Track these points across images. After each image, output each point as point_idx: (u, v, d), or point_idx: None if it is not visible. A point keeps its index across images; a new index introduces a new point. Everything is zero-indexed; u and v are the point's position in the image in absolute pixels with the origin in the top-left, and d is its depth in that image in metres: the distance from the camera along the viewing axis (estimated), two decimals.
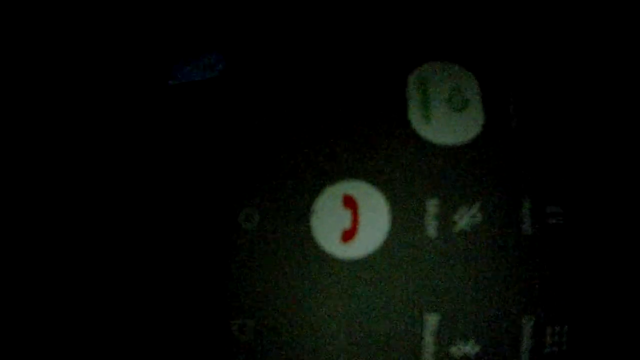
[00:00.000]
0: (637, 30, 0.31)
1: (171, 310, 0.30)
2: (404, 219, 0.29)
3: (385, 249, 0.29)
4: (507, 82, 0.30)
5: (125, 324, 0.30)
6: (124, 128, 0.33)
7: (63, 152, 0.33)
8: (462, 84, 0.30)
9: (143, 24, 0.35)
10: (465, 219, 0.29)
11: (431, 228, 0.29)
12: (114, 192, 0.32)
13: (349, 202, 0.29)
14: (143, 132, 0.32)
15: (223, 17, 0.34)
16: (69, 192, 0.32)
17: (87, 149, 0.33)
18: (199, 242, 0.30)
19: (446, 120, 0.30)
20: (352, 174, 0.29)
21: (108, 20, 0.35)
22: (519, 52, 0.31)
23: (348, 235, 0.29)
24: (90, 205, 0.32)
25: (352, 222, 0.29)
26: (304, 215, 0.29)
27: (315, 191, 0.29)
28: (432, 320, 0.28)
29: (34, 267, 0.31)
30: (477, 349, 0.28)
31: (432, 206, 0.29)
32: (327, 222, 0.29)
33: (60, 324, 0.31)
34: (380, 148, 0.29)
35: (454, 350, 0.28)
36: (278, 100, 0.31)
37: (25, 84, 0.34)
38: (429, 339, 0.28)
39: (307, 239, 0.29)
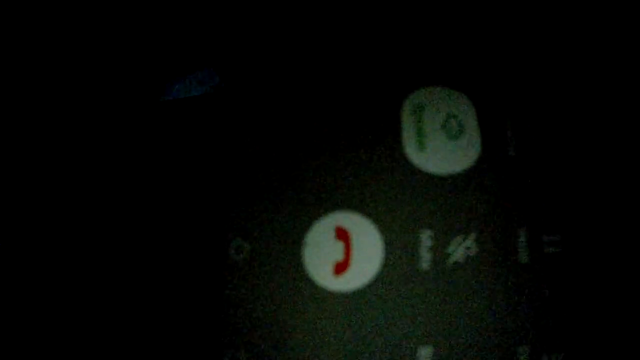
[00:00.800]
0: (633, 53, 0.30)
1: (161, 343, 0.30)
2: (397, 251, 0.28)
3: (378, 282, 0.28)
4: (504, 108, 0.29)
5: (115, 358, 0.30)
6: (114, 146, 0.32)
7: (48, 167, 0.32)
8: (457, 109, 0.29)
9: (136, 40, 0.34)
10: (459, 250, 0.28)
11: (424, 261, 0.28)
12: (100, 218, 0.31)
13: (342, 234, 0.28)
14: (133, 151, 0.32)
15: (217, 34, 0.33)
16: (52, 213, 0.32)
17: (74, 167, 0.32)
18: (188, 274, 0.30)
19: (441, 148, 0.29)
20: (345, 205, 0.29)
21: (101, 36, 0.34)
22: (517, 78, 0.30)
23: (340, 268, 0.28)
24: (74, 235, 0.31)
25: (345, 255, 0.28)
26: (295, 247, 0.29)
27: (307, 223, 0.29)
28: (425, 353, 0.28)
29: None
30: None
31: (425, 238, 0.28)
32: (319, 254, 0.28)
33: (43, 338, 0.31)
34: (373, 178, 0.29)
35: None
36: (271, 122, 0.30)
37: (15, 94, 0.33)
38: None
39: (298, 272, 0.28)
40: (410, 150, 0.29)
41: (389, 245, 0.28)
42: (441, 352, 0.28)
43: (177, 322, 0.29)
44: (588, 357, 0.29)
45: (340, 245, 0.28)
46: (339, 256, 0.28)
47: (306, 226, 0.29)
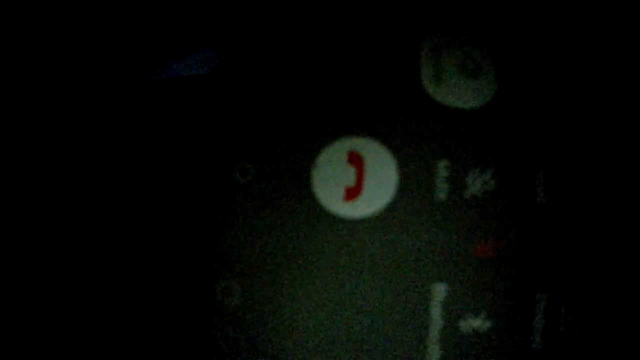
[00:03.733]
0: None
1: (151, 268, 0.27)
2: (413, 179, 0.27)
3: (390, 210, 0.26)
4: (522, 52, 0.29)
5: (104, 283, 0.27)
6: (110, 122, 0.30)
7: (44, 143, 0.30)
8: (474, 53, 0.29)
9: (135, 18, 0.33)
10: (477, 183, 0.27)
11: (441, 191, 0.27)
12: (101, 156, 0.29)
13: (355, 159, 0.27)
14: (130, 123, 0.30)
15: (217, 13, 0.33)
16: (51, 176, 0.29)
17: (73, 133, 0.30)
18: (188, 196, 0.27)
19: (459, 84, 0.28)
20: (359, 130, 0.27)
21: (98, 14, 0.33)
22: (535, 24, 0.30)
23: (352, 193, 0.26)
24: (78, 179, 0.29)
25: (357, 180, 0.27)
26: (304, 169, 0.27)
27: (318, 145, 0.27)
28: (439, 290, 0.26)
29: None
30: (487, 324, 0.26)
31: (442, 168, 0.27)
32: (329, 178, 0.27)
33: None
34: (389, 106, 0.28)
35: (463, 324, 0.26)
36: (276, 85, 0.29)
37: (5, 74, 0.32)
38: (435, 311, 0.26)
39: (306, 195, 0.27)
40: (429, 85, 0.28)
41: (403, 172, 0.27)
42: (456, 291, 0.26)
43: (169, 245, 0.27)
44: (607, 307, 0.27)
45: (352, 169, 0.27)
46: (351, 181, 0.27)
47: (317, 148, 0.27)
